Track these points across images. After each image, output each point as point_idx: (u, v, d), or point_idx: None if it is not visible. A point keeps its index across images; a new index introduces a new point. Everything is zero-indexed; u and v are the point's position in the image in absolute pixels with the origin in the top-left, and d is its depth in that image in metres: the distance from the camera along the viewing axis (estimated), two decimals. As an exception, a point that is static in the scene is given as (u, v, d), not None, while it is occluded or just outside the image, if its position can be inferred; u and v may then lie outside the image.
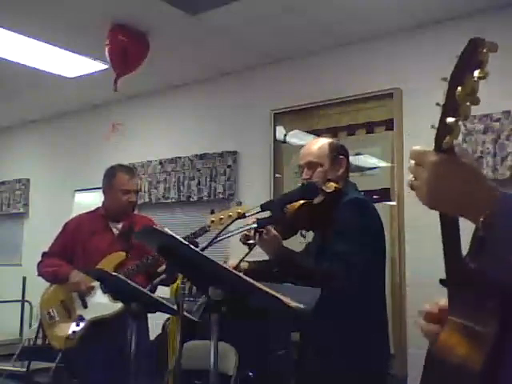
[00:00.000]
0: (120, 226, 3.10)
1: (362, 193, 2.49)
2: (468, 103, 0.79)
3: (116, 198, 3.06)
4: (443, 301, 0.97)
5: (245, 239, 2.00)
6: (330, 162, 2.27)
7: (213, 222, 2.61)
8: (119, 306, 2.77)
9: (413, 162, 0.88)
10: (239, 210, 2.63)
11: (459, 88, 0.78)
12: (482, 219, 0.82)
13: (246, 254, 2.00)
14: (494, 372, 0.85)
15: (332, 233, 2.11)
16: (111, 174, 3.12)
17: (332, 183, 2.17)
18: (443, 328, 0.95)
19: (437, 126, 0.82)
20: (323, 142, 2.36)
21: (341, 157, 2.31)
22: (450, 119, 0.79)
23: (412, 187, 0.88)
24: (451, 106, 0.80)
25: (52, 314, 3.02)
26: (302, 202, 2.08)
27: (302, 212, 2.08)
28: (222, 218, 2.54)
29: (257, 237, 2.00)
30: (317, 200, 2.10)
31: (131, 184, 3.08)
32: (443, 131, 0.81)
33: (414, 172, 0.87)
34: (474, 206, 0.83)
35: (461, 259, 0.91)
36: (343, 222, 2.09)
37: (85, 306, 2.95)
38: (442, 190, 0.84)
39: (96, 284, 2.89)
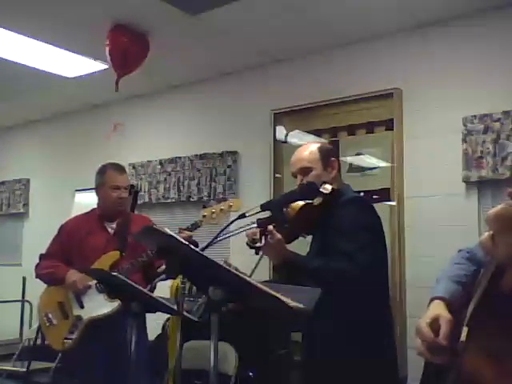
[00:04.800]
0: (114, 225, 3.09)
1: (362, 193, 2.48)
2: None
3: (106, 195, 3.04)
4: (431, 316, 0.97)
5: (252, 242, 2.00)
6: (322, 166, 2.28)
7: (205, 216, 2.62)
8: (115, 304, 2.79)
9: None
10: (231, 204, 2.64)
11: None
12: None
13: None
14: None
15: (334, 232, 2.11)
16: (101, 171, 3.12)
17: (328, 185, 2.17)
18: (468, 354, 0.94)
19: None
20: (312, 146, 2.36)
21: (332, 159, 2.32)
22: None
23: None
24: None
25: (49, 316, 3.01)
26: (301, 204, 2.07)
27: (302, 215, 2.08)
28: (213, 212, 2.54)
29: (263, 240, 1.99)
30: (316, 202, 2.10)
31: (120, 180, 3.06)
32: None
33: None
34: None
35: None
36: (345, 221, 2.08)
37: (81, 306, 2.94)
38: None
39: (92, 283, 2.89)
